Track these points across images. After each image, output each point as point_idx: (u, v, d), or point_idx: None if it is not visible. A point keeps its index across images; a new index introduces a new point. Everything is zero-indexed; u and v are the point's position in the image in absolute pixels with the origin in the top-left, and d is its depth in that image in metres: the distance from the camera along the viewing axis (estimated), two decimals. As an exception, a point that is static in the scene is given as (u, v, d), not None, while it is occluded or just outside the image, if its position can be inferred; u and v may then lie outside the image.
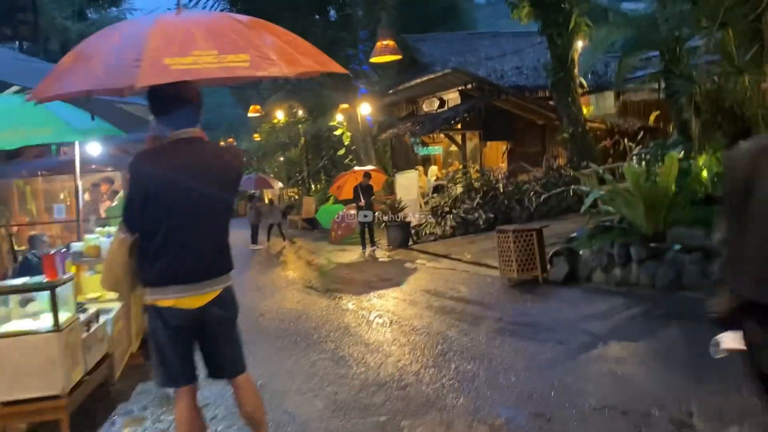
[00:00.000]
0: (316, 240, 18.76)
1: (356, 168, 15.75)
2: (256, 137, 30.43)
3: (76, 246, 6.16)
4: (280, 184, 23.33)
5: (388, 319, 7.95)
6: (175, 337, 3.18)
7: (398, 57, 12.72)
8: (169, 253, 3.11)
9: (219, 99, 45.56)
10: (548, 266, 9.69)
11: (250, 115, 21.21)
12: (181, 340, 3.21)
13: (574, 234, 10.17)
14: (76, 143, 8.11)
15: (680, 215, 8.58)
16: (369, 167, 16.45)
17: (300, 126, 25.05)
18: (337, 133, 20.93)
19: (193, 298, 3.16)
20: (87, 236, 6.23)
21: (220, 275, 3.28)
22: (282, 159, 27.58)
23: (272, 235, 18.46)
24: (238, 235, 18.73)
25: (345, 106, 19.40)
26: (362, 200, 14.67)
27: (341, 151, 21.24)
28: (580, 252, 9.47)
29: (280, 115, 25.49)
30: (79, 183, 8.42)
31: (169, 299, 3.13)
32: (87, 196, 11.90)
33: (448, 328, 7.13)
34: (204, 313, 3.21)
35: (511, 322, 7.23)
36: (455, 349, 6.19)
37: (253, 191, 19.71)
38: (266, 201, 29.64)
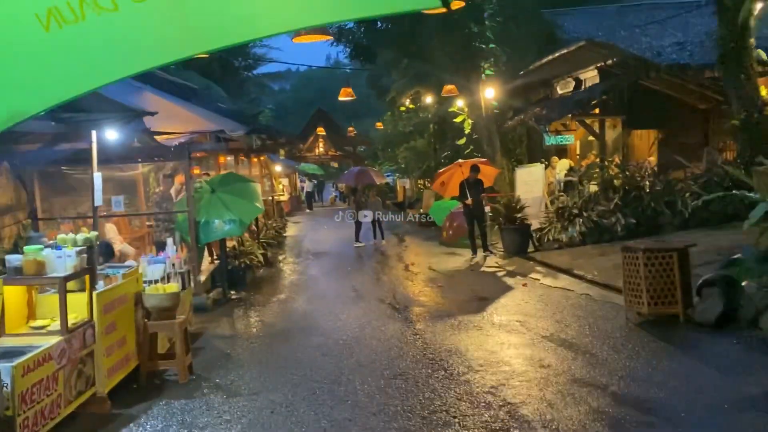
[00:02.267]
0: (427, 239, 16.77)
1: (461, 160, 13.51)
2: (379, 126, 28.72)
3: (14, 260, 4.70)
4: (385, 178, 21.45)
5: (449, 368, 5.84)
6: None
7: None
8: None
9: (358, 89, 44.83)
10: (694, 299, 7.06)
11: (341, 99, 19.47)
12: None
13: (738, 255, 7.36)
14: (93, 133, 6.82)
15: None
16: (477, 159, 14.11)
17: (422, 114, 23.06)
18: (457, 120, 18.67)
19: None
20: (28, 248, 4.75)
21: None
22: (408, 149, 25.74)
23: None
24: (348, 231, 17.30)
25: (450, 87, 17.08)
26: (469, 198, 12.45)
27: (461, 141, 18.97)
28: (743, 283, 6.75)
29: (402, 103, 23.75)
30: (97, 174, 7.16)
31: None
32: (160, 187, 10.95)
33: (524, 400, 4.89)
34: None
35: (622, 397, 4.83)
36: (514, 448, 3.98)
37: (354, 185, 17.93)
38: (401, 195, 28.13)
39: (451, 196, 13.77)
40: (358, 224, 16.25)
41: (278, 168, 26.01)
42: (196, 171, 11.58)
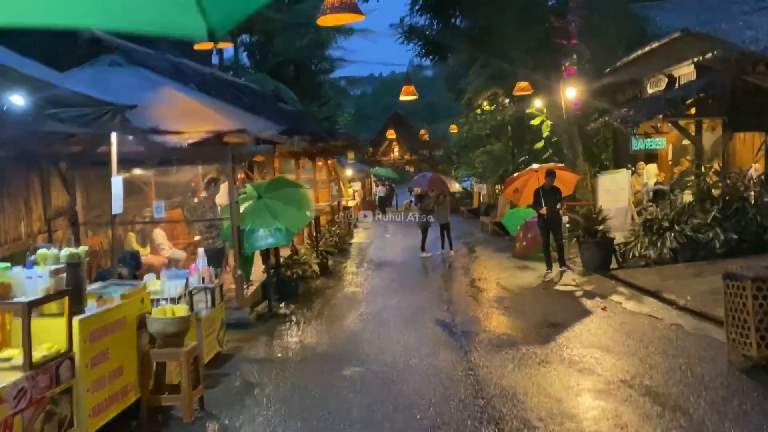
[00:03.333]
0: (499, 250, 15.54)
1: (535, 165, 12.23)
2: (453, 129, 27.34)
3: (-24, 279, 4.01)
4: (457, 185, 20.22)
5: (501, 421, 4.78)
6: None
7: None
8: None
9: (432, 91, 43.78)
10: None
11: (401, 98, 18.36)
12: None
13: None
14: (113, 135, 6.21)
15: None
16: (554, 164, 12.74)
17: (500, 116, 21.77)
18: (535, 122, 17.31)
19: None
20: (-8, 265, 4.05)
21: None
22: (486, 153, 24.45)
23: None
24: (417, 240, 16.26)
25: (523, 84, 15.71)
26: (543, 207, 11.19)
27: (539, 144, 17.60)
28: None
29: (479, 104, 22.52)
30: (115, 178, 6.52)
31: None
32: (203, 193, 10.34)
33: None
34: None
35: (724, 483, 3.63)
36: None
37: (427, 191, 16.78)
38: (476, 201, 26.86)
39: (527, 205, 12.53)
40: (425, 233, 15.24)
41: (349, 172, 25.33)
42: (241, 176, 10.91)
